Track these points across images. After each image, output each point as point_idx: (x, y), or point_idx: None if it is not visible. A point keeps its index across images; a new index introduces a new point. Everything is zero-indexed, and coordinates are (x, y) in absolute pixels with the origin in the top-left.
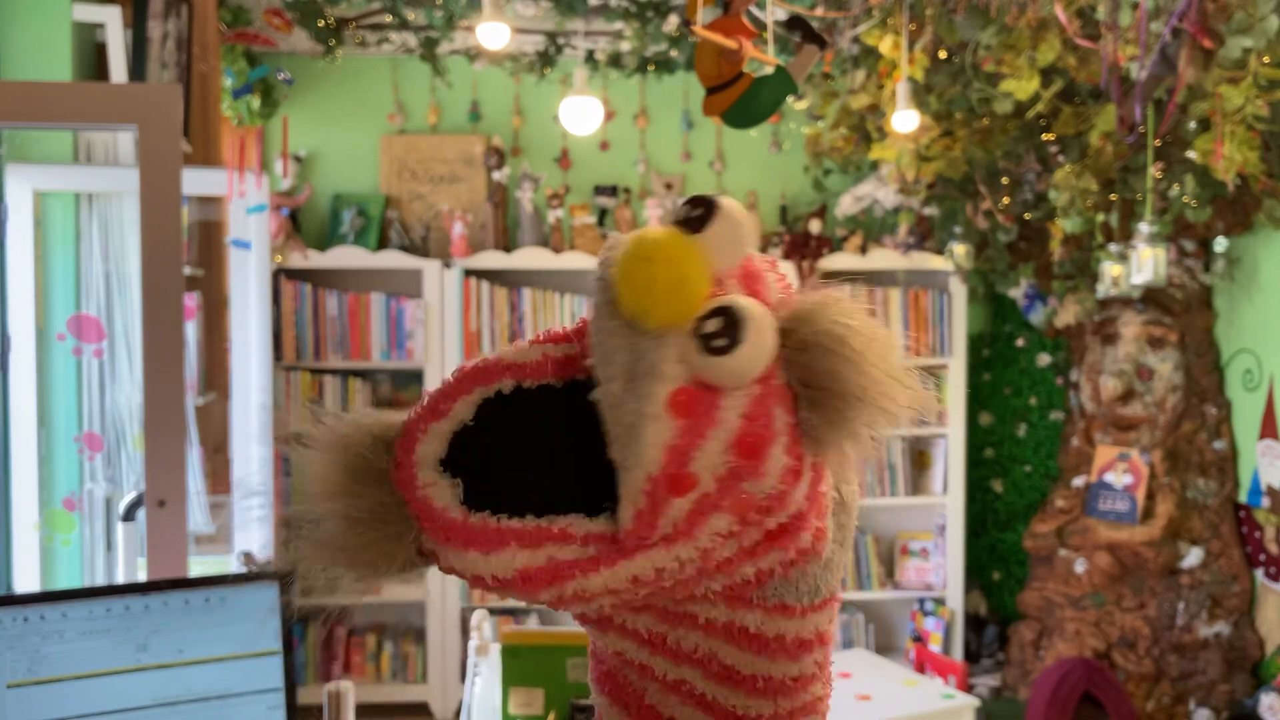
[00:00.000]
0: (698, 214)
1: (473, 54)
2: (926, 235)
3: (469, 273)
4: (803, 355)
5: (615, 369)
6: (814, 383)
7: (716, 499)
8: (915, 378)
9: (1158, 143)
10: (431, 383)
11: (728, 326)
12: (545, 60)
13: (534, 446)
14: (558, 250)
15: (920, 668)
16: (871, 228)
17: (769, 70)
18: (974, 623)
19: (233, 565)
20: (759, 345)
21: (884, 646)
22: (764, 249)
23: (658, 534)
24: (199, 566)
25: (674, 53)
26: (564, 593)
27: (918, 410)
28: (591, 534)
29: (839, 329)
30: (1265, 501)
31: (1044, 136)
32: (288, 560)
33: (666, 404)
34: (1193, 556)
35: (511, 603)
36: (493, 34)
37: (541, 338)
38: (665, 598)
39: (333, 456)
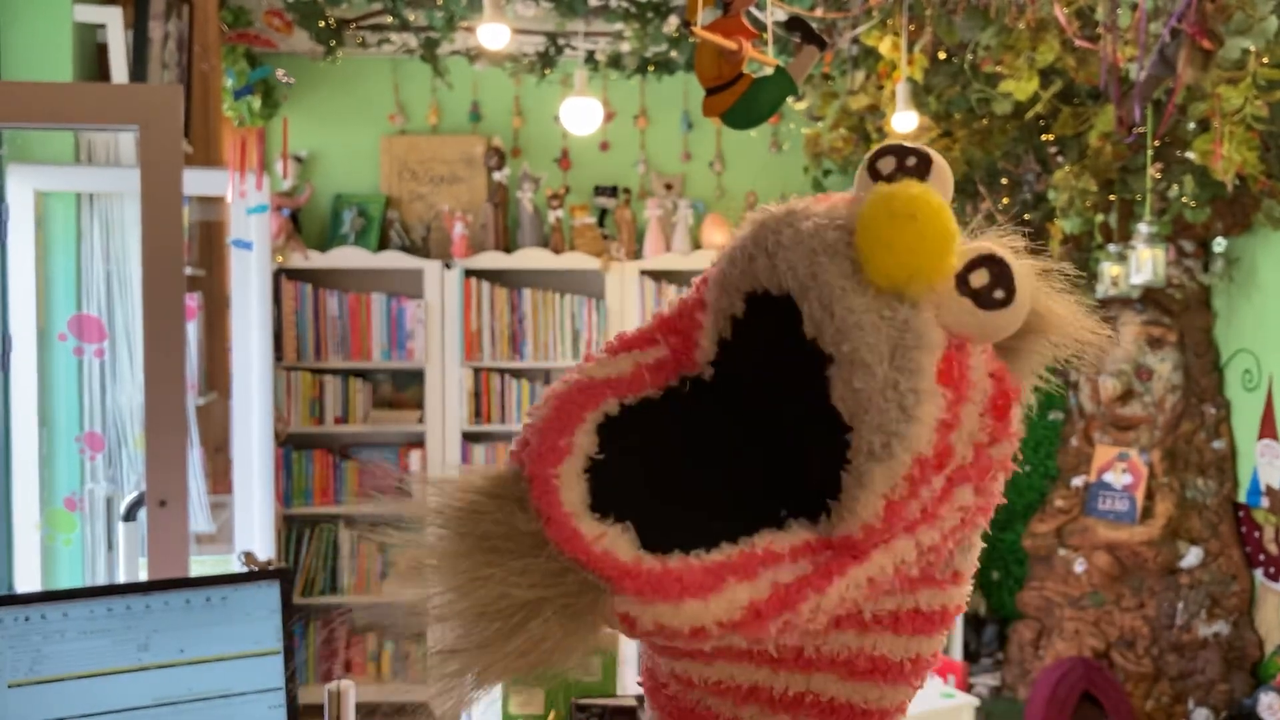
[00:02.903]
0: (913, 163)
1: (473, 55)
2: None
3: (469, 273)
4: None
5: (877, 350)
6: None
7: (968, 470)
8: (1078, 309)
9: (1157, 143)
10: (432, 382)
11: (998, 277)
12: (545, 61)
13: (675, 467)
14: (558, 251)
15: None
16: None
17: (769, 71)
18: (973, 622)
19: (234, 565)
20: (1026, 292)
21: None
22: None
23: (901, 523)
24: (200, 566)
25: (674, 53)
26: (798, 618)
27: (1092, 341)
28: (797, 547)
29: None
30: (1264, 501)
31: (1043, 137)
32: (461, 689)
33: (936, 375)
34: (1192, 556)
35: None
36: (493, 35)
37: (620, 344)
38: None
39: (464, 532)
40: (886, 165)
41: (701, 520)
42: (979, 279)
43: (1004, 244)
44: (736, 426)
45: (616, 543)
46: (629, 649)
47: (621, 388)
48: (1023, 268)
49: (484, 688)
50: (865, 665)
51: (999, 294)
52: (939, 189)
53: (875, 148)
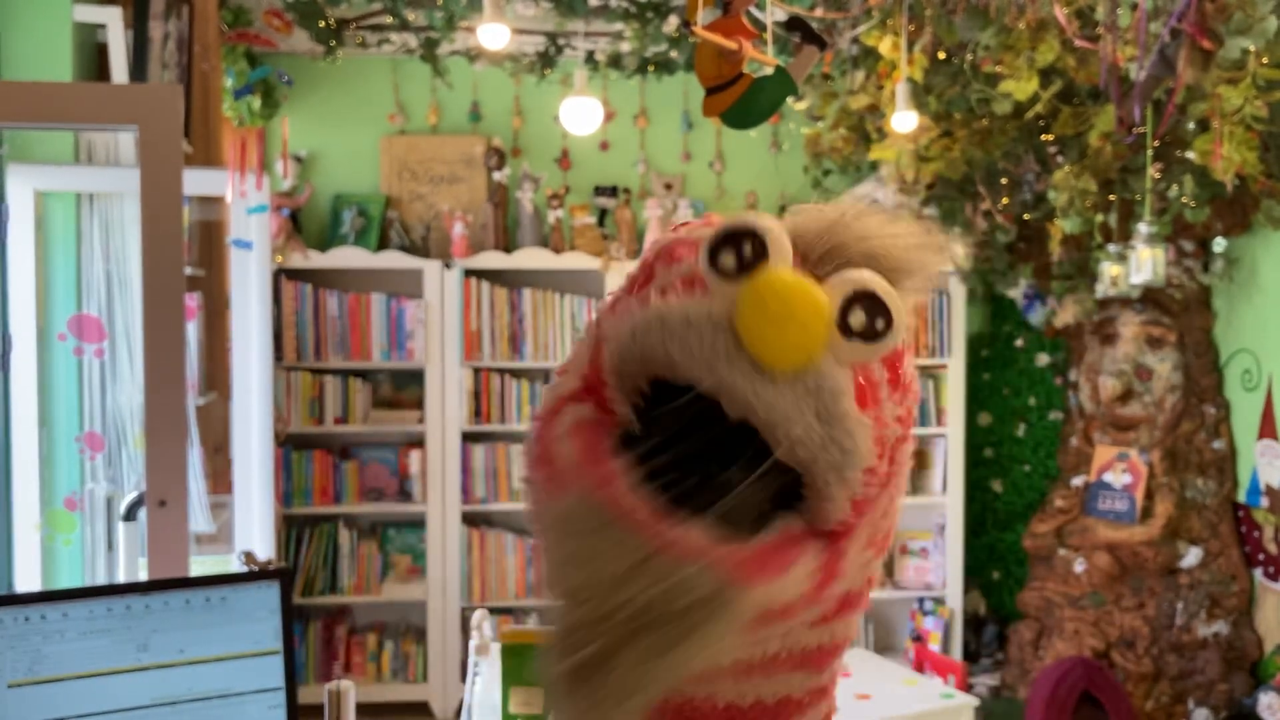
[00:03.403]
0: (751, 251)
1: (473, 55)
2: None
3: (469, 273)
4: (850, 266)
5: (805, 422)
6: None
7: (902, 436)
8: (925, 236)
9: (1156, 143)
10: (432, 382)
11: (872, 311)
12: (545, 61)
13: (674, 477)
14: (558, 251)
15: (919, 667)
16: None
17: (769, 71)
18: (973, 622)
19: (233, 565)
20: (901, 309)
21: (883, 646)
22: None
23: (869, 507)
24: (200, 566)
25: (674, 53)
26: (830, 593)
27: (940, 264)
28: (804, 530)
29: (863, 237)
30: (1264, 501)
31: (1043, 137)
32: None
33: (858, 406)
34: (1192, 556)
35: (512, 601)
36: (493, 35)
37: (558, 401)
38: None
39: (585, 527)
40: (729, 262)
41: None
42: (857, 320)
43: (866, 251)
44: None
45: (703, 537)
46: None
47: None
48: (887, 288)
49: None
50: (828, 651)
51: (879, 324)
52: (781, 253)
53: (708, 241)
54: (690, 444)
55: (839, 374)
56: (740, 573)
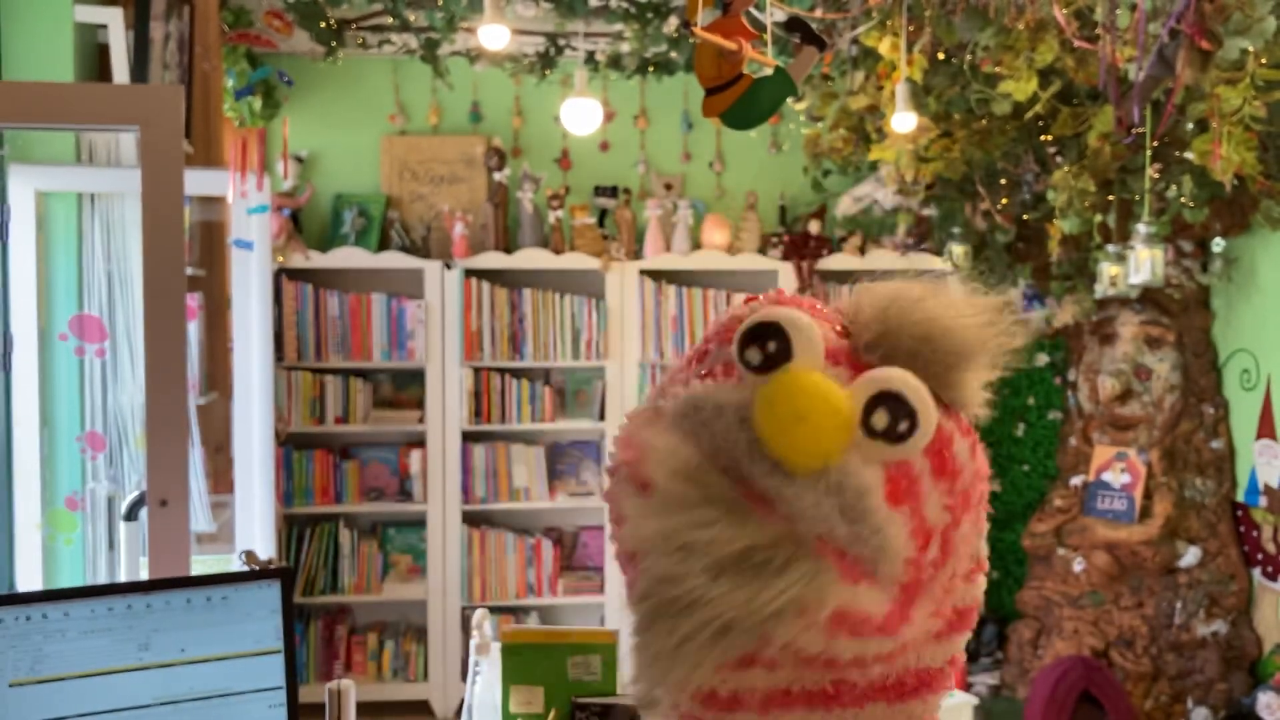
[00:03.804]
0: (775, 348)
1: (473, 55)
2: (925, 236)
3: (470, 273)
4: (900, 351)
5: (829, 520)
6: (921, 368)
7: (956, 515)
8: (992, 314)
9: (1155, 144)
10: (432, 382)
11: (895, 412)
12: (545, 61)
13: None
14: (558, 251)
15: None
16: (870, 228)
17: (768, 71)
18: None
19: (234, 564)
20: (928, 408)
21: None
22: (763, 250)
23: (927, 565)
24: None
25: (674, 54)
26: (899, 638)
27: (1009, 343)
28: None
29: (918, 320)
30: (1263, 501)
31: (1042, 137)
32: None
33: (888, 506)
34: (1190, 556)
35: (512, 601)
36: (493, 35)
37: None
38: None
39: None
40: (754, 358)
41: None
42: (881, 421)
43: (899, 300)
44: None
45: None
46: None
47: None
48: (915, 387)
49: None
50: (913, 682)
51: (903, 426)
52: (807, 351)
53: (739, 334)
54: None
55: (865, 473)
56: (837, 560)
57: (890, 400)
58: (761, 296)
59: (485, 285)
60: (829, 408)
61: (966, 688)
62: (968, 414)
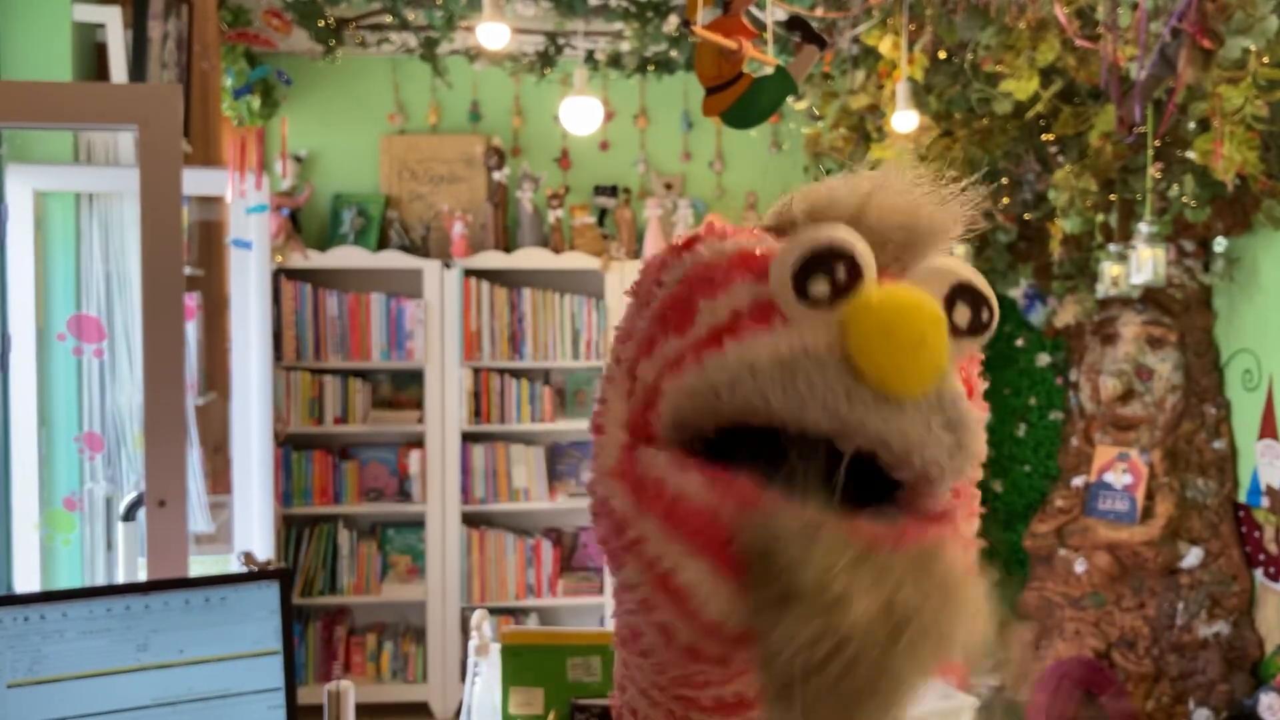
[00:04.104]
0: (844, 276)
1: (473, 54)
2: None
3: (469, 273)
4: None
5: (940, 442)
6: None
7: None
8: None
9: (1157, 143)
10: (431, 382)
11: (976, 304)
12: (545, 60)
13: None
14: (558, 250)
15: None
16: None
17: (769, 70)
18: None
19: (233, 565)
20: (992, 294)
21: None
22: None
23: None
24: (199, 566)
25: (674, 53)
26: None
27: (960, 212)
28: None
29: (902, 205)
30: (1265, 501)
31: (1043, 137)
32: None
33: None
34: (1192, 556)
35: (511, 602)
36: (493, 34)
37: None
38: None
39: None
40: (820, 289)
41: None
42: (964, 316)
43: (946, 229)
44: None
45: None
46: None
47: None
48: (976, 273)
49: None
50: None
51: (985, 316)
52: (870, 267)
53: (791, 267)
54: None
55: (955, 378)
56: (948, 531)
57: (966, 293)
58: (701, 233)
59: (485, 285)
60: (939, 319)
61: (968, 688)
62: None
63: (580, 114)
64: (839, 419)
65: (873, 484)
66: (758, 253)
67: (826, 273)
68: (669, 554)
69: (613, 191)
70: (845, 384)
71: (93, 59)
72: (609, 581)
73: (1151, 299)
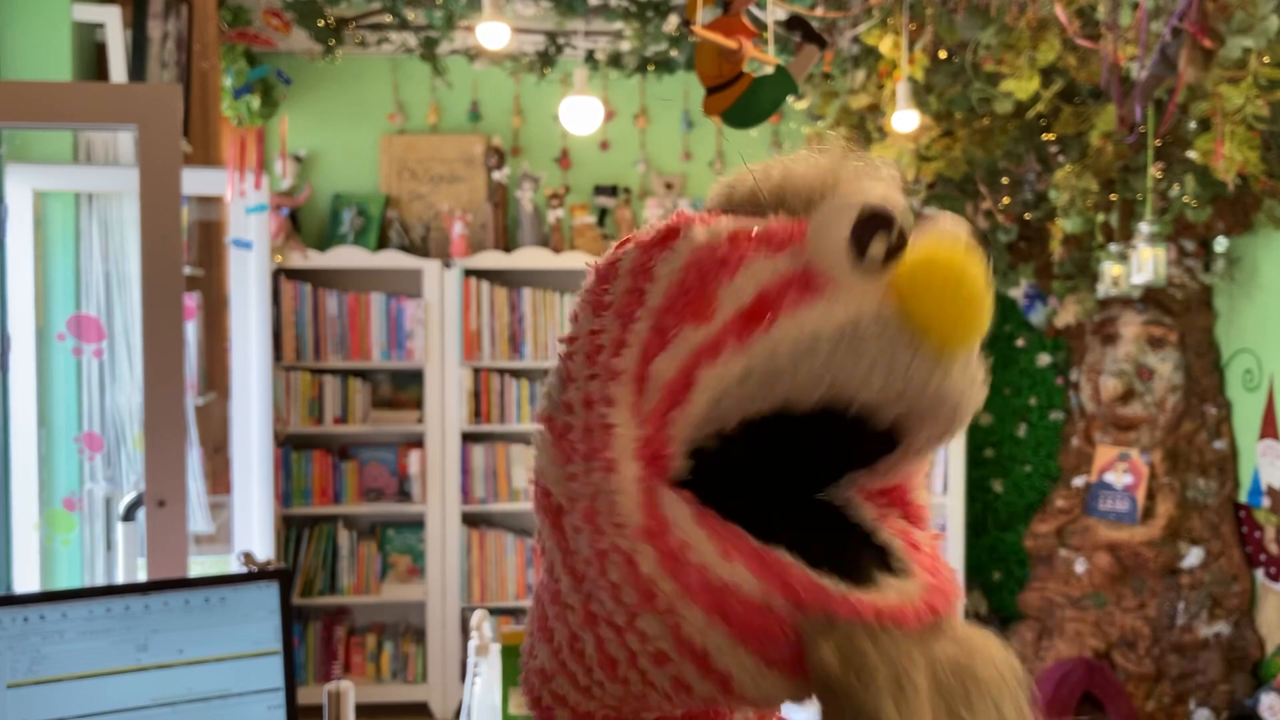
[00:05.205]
0: (898, 238)
1: (473, 54)
2: None
3: (469, 272)
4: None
5: (974, 385)
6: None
7: None
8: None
9: (1158, 143)
10: (431, 382)
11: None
12: (545, 60)
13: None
14: (558, 250)
15: None
16: None
17: (769, 70)
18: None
19: (233, 565)
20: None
21: None
22: None
23: None
24: (199, 566)
25: (674, 53)
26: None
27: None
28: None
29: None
30: (1265, 501)
31: (1044, 136)
32: None
33: None
34: (1193, 556)
35: (511, 602)
36: (493, 34)
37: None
38: None
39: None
40: (878, 251)
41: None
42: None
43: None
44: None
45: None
46: None
47: None
48: (874, 189)
49: None
50: None
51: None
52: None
53: (851, 230)
54: (769, 470)
55: None
56: (940, 604)
57: (881, 220)
58: (674, 217)
59: (484, 285)
60: (983, 276)
61: None
62: None
63: (580, 114)
64: (904, 381)
65: (830, 452)
66: (754, 231)
67: (885, 233)
68: (711, 639)
69: (613, 191)
70: (912, 346)
71: (92, 59)
72: None
73: (1152, 299)
